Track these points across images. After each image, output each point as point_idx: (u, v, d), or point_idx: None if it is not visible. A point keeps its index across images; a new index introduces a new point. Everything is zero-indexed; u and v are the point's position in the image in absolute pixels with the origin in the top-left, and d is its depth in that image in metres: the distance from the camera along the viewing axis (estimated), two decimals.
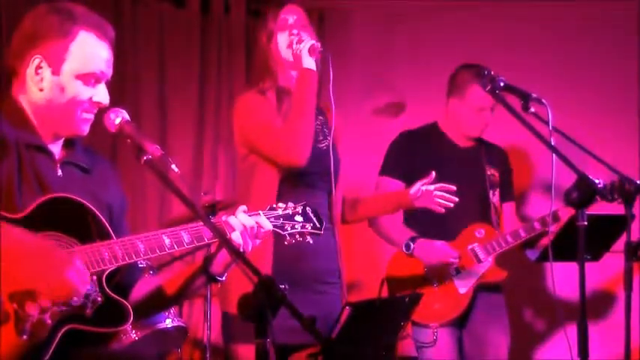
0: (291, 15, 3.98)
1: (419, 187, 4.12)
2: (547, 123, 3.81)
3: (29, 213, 2.65)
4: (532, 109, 3.95)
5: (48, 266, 2.52)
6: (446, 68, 5.10)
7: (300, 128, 3.79)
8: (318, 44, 3.89)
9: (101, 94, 2.86)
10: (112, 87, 5.34)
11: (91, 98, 2.84)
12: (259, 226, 3.00)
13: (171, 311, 4.70)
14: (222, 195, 5.69)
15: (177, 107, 5.85)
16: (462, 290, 4.76)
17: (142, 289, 2.98)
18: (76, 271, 2.54)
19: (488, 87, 3.76)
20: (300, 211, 3.18)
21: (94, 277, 2.69)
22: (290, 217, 3.15)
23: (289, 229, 3.13)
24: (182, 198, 2.73)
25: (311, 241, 3.17)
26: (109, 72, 2.89)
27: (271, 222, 3.07)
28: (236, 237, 2.92)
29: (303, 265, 3.85)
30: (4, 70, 2.88)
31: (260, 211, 3.07)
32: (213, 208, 4.87)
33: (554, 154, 3.54)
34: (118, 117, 2.87)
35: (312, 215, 3.20)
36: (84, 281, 2.57)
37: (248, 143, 3.91)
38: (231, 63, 6.05)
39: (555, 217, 4.69)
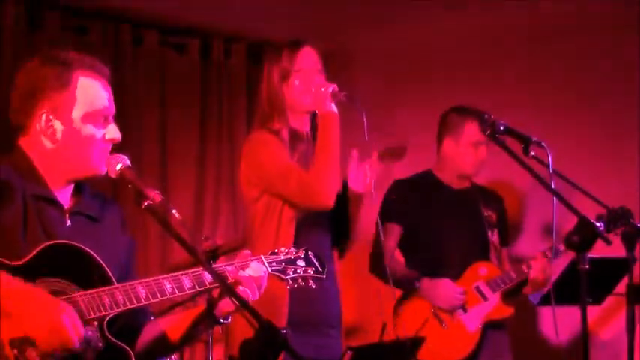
0: (309, 58, 3.94)
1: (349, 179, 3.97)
2: (547, 166, 3.83)
3: (30, 259, 2.64)
4: (532, 153, 3.97)
5: (42, 313, 2.52)
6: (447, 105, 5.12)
7: (328, 171, 3.75)
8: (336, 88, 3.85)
9: (112, 132, 2.88)
10: None
11: (104, 137, 2.86)
12: (263, 273, 3.00)
13: (173, 357, 4.68)
14: (223, 240, 5.68)
15: (178, 152, 5.88)
16: (471, 328, 4.74)
17: (146, 335, 2.97)
18: (69, 318, 2.54)
19: (488, 132, 3.77)
20: (302, 256, 3.14)
21: (95, 323, 2.67)
22: (292, 262, 3.11)
23: (291, 273, 3.10)
24: (183, 243, 2.72)
25: (313, 286, 3.14)
26: (113, 108, 2.90)
27: (273, 266, 3.04)
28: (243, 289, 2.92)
29: (312, 309, 3.84)
30: (11, 127, 2.89)
31: (262, 256, 3.05)
32: (214, 253, 4.86)
33: (554, 198, 3.54)
34: (119, 163, 2.87)
35: (314, 259, 3.16)
36: (77, 327, 2.56)
37: (265, 183, 3.84)
38: (232, 108, 6.09)
39: (556, 252, 4.68)
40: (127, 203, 3.26)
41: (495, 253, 4.96)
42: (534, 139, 4.02)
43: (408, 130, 6.14)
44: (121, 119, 5.01)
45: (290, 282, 3.10)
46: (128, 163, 2.89)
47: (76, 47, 5.12)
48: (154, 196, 2.79)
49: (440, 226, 4.89)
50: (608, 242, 3.59)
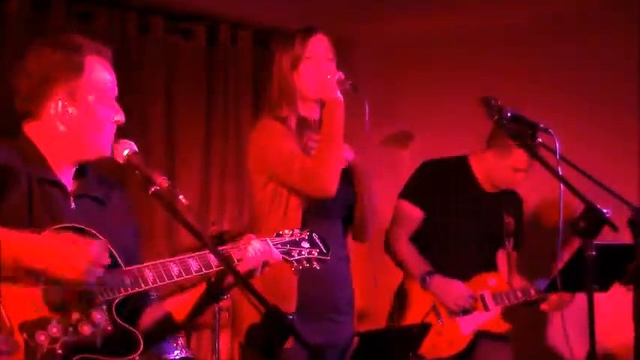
0: (320, 45, 3.91)
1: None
2: (554, 153, 3.82)
3: None
4: (539, 140, 3.96)
5: (71, 249, 2.58)
6: (453, 97, 5.12)
7: (330, 158, 3.75)
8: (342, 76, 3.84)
9: (119, 114, 2.91)
10: None
11: (112, 118, 2.90)
12: (270, 255, 3.00)
13: (179, 342, 4.69)
14: (229, 225, 5.70)
15: (184, 138, 5.88)
16: (465, 332, 4.74)
17: (150, 316, 2.98)
18: (97, 243, 2.61)
19: (495, 118, 3.76)
20: (307, 237, 3.16)
21: (104, 307, 2.68)
22: (297, 244, 3.13)
23: (296, 255, 3.11)
24: (190, 228, 2.74)
25: (318, 267, 3.15)
26: (116, 90, 2.94)
27: (278, 248, 3.07)
28: (247, 262, 2.93)
29: (323, 295, 3.84)
30: (16, 113, 2.89)
31: (267, 239, 3.06)
32: (221, 238, 4.87)
33: (561, 184, 3.54)
34: (126, 149, 2.88)
35: (318, 241, 3.18)
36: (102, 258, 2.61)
37: (270, 171, 3.84)
38: (238, 94, 6.08)
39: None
40: (133, 189, 3.26)
41: (508, 262, 4.94)
42: (542, 125, 4.02)
43: (411, 118, 6.14)
44: (126, 106, 5.03)
45: (295, 264, 3.11)
46: (135, 148, 2.91)
47: (81, 34, 5.20)
48: (161, 181, 2.81)
49: (461, 224, 4.87)
50: (615, 228, 3.59)
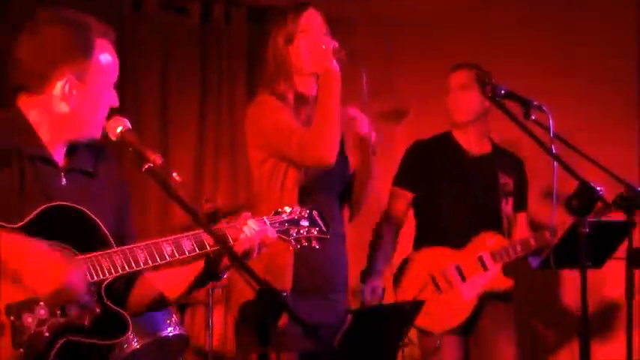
0: (313, 18, 3.91)
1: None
2: (548, 130, 3.83)
3: (27, 222, 2.64)
4: (533, 117, 3.96)
5: (49, 265, 2.53)
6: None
7: (328, 127, 3.73)
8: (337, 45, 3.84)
9: (115, 97, 2.91)
10: None
11: (112, 102, 2.89)
12: (265, 234, 3.00)
13: (173, 319, 4.70)
14: (223, 202, 5.69)
15: (178, 115, 5.87)
16: (467, 297, 4.74)
17: (141, 291, 2.94)
18: (75, 271, 2.56)
19: (489, 94, 3.76)
20: (307, 215, 3.12)
21: (93, 288, 2.67)
22: (296, 222, 3.09)
23: (294, 234, 3.08)
24: (183, 205, 2.73)
25: (317, 246, 3.12)
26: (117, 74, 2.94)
27: (276, 227, 3.04)
28: (243, 243, 2.92)
29: (318, 273, 3.84)
30: (11, 85, 2.87)
31: (265, 217, 3.04)
32: (215, 216, 4.87)
33: (555, 162, 3.54)
34: (120, 125, 2.87)
35: (318, 219, 3.13)
36: (83, 282, 2.58)
37: (269, 146, 3.83)
38: (232, 71, 6.06)
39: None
40: (126, 165, 3.25)
41: (507, 223, 4.93)
42: (535, 102, 4.03)
43: (408, 95, 6.14)
44: (121, 83, 4.99)
45: (293, 243, 3.09)
46: (129, 125, 2.88)
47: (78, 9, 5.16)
48: (155, 158, 2.79)
49: (450, 194, 4.88)
50: (608, 207, 3.60)
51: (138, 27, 5.73)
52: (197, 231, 2.85)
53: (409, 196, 4.92)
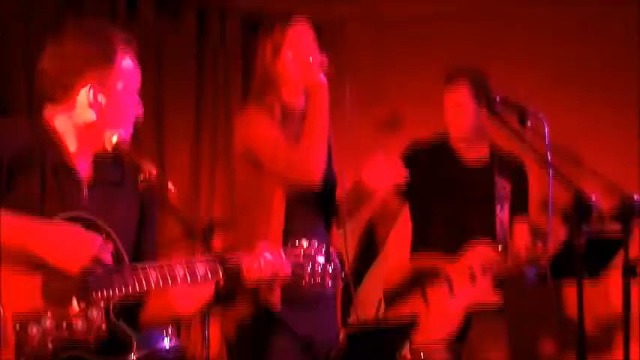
0: (300, 30, 3.88)
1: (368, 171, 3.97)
2: (544, 138, 3.83)
3: None
4: (528, 124, 3.97)
5: (74, 242, 2.61)
6: (441, 79, 5.10)
7: (315, 146, 3.70)
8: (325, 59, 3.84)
9: (140, 105, 2.97)
10: None
11: (136, 110, 2.95)
12: (280, 269, 3.01)
13: (169, 331, 4.68)
14: (219, 212, 5.69)
15: (173, 124, 5.85)
16: (454, 310, 4.72)
17: (154, 310, 2.93)
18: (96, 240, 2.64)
19: (484, 103, 3.76)
20: (324, 251, 3.12)
21: (102, 304, 2.68)
22: (312, 257, 3.10)
23: (309, 269, 3.08)
24: (178, 217, 2.75)
25: (330, 284, 3.11)
26: (140, 82, 3.00)
27: (292, 260, 3.06)
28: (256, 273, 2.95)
29: (308, 290, 3.82)
30: (37, 95, 2.91)
31: (281, 250, 3.06)
32: (210, 227, 4.86)
33: (550, 171, 3.55)
34: (115, 135, 2.88)
35: (334, 257, 3.14)
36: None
37: (255, 160, 3.79)
38: (228, 78, 6.05)
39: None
40: None
41: (502, 230, 4.90)
42: (531, 110, 4.03)
43: (400, 100, 6.12)
44: None
45: (307, 279, 3.08)
46: (124, 135, 2.90)
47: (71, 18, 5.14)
48: (150, 169, 2.81)
49: (446, 202, 4.86)
50: (603, 217, 3.60)
51: (133, 35, 5.69)
52: (212, 256, 2.87)
53: (403, 202, 4.92)
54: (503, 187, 4.89)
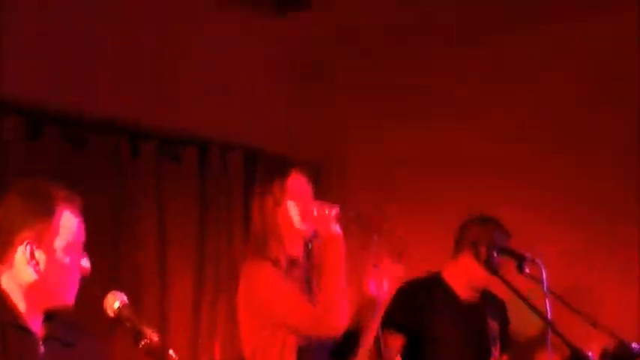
0: (299, 182, 4.00)
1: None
2: (542, 284, 3.87)
3: None
4: (527, 271, 4.02)
5: None
6: (446, 216, 5.14)
7: (339, 297, 3.77)
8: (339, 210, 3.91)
9: (85, 262, 2.97)
10: (108, 239, 5.37)
11: (80, 267, 2.95)
12: None
13: None
14: (220, 355, 5.67)
15: (175, 264, 5.85)
16: None
17: None
18: None
19: (484, 259, 3.82)
20: None
21: None
22: None
23: None
24: None
25: None
26: (84, 236, 3.00)
27: None
28: None
29: None
30: None
31: None
32: None
33: (549, 328, 3.58)
34: (117, 300, 2.92)
35: None
36: None
37: (270, 316, 3.84)
38: (230, 214, 6.08)
39: None
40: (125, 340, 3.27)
41: None
42: (528, 256, 4.08)
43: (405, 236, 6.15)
44: (118, 224, 5.00)
45: None
46: (126, 300, 2.94)
47: (75, 159, 5.19)
48: (152, 335, 2.85)
49: (446, 341, 4.85)
50: None
51: (136, 172, 5.76)
52: None
53: (400, 339, 4.86)
54: (493, 327, 4.91)
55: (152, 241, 5.79)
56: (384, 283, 4.01)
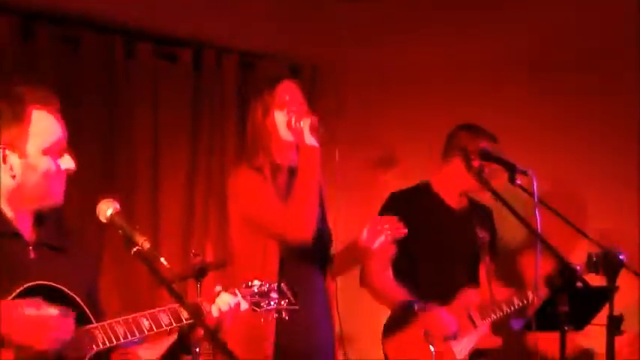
0: (288, 92, 4.03)
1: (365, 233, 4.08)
2: (532, 195, 3.90)
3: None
4: (518, 181, 4.04)
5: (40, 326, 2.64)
6: (438, 124, 5.15)
7: (307, 205, 3.84)
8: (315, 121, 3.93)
9: (67, 161, 2.97)
10: (102, 139, 5.38)
11: (59, 167, 2.94)
12: (237, 308, 3.11)
13: None
14: (212, 255, 5.72)
15: (168, 164, 5.86)
16: (460, 356, 4.78)
17: None
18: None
19: (474, 169, 3.83)
20: (276, 288, 3.27)
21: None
22: (265, 294, 3.25)
23: (265, 305, 3.23)
24: (170, 289, 2.82)
25: (286, 317, 3.27)
26: (65, 137, 2.99)
27: (247, 299, 3.19)
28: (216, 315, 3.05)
29: (302, 339, 3.91)
30: None
31: (236, 290, 3.18)
32: (203, 270, 4.90)
33: (538, 240, 3.62)
34: (110, 208, 2.95)
35: (287, 291, 3.29)
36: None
37: (249, 220, 3.95)
38: (224, 117, 6.08)
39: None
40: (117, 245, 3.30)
41: (487, 276, 4.96)
42: (519, 166, 4.10)
43: (396, 143, 6.17)
44: (113, 127, 4.99)
45: (264, 314, 3.23)
46: (118, 207, 2.96)
47: (67, 59, 5.16)
48: (143, 242, 2.88)
49: (436, 249, 4.92)
50: (587, 285, 3.67)
51: (130, 74, 5.72)
52: (173, 305, 2.97)
53: (391, 248, 4.94)
54: (483, 236, 4.95)
55: (146, 140, 5.79)
56: (377, 239, 4.02)
